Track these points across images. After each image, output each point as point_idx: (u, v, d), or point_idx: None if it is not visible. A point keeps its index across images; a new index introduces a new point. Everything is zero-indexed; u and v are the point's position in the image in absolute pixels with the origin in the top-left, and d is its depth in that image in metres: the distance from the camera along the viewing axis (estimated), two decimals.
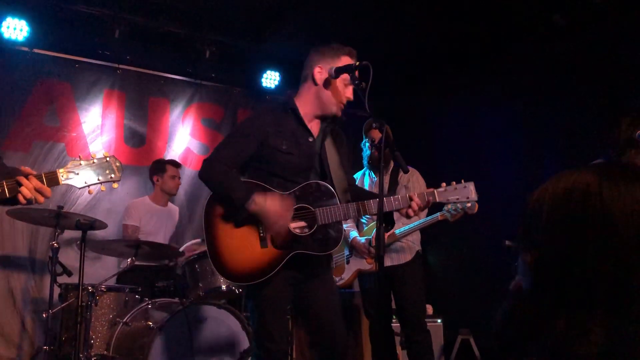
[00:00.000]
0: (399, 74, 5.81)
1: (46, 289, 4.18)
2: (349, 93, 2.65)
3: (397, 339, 4.45)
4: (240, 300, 4.19)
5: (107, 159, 2.23)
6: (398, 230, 3.96)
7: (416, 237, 4.11)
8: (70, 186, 2.16)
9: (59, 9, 4.88)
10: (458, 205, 3.57)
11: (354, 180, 3.13)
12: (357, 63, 2.52)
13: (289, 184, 2.60)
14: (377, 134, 3.92)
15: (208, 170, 2.59)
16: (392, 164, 4.09)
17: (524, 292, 0.98)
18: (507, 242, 4.30)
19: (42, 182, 2.05)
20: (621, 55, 4.54)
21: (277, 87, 5.88)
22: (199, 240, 4.53)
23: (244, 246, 2.53)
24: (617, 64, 4.54)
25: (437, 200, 2.60)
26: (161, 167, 4.83)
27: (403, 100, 6.28)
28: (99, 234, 4.34)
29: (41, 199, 2.06)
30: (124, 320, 3.79)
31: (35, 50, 4.97)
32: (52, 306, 3.76)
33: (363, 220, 4.11)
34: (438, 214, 3.83)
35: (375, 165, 4.07)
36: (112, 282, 4.18)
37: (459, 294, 5.68)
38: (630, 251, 0.84)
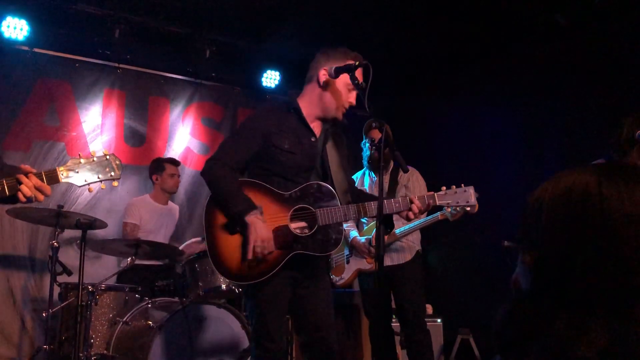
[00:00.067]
0: (399, 74, 5.81)
1: (46, 288, 4.18)
2: (352, 98, 2.66)
3: (397, 339, 4.45)
4: (240, 300, 4.18)
5: (107, 157, 2.23)
6: (398, 229, 3.96)
7: (416, 236, 4.12)
8: (70, 185, 2.17)
9: (59, 8, 4.88)
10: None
11: (354, 181, 3.14)
12: (357, 63, 2.52)
13: (290, 183, 2.60)
14: (377, 134, 3.93)
15: (211, 171, 2.59)
16: (392, 164, 4.10)
17: (523, 292, 0.98)
18: (506, 243, 4.30)
19: (42, 180, 2.06)
20: (621, 55, 4.54)
21: (277, 86, 5.88)
22: (199, 238, 4.53)
23: (244, 245, 2.53)
24: (617, 64, 4.54)
25: (437, 203, 2.63)
26: (160, 166, 4.83)
27: (403, 100, 6.28)
28: (99, 233, 4.34)
29: (41, 197, 2.06)
30: (124, 319, 3.79)
31: (36, 50, 4.97)
32: (52, 305, 3.76)
33: (363, 220, 4.11)
34: (438, 213, 3.84)
35: (375, 165, 4.07)
36: (112, 281, 4.19)
37: (459, 294, 5.68)
38: (630, 251, 0.84)
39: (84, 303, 3.66)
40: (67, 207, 4.68)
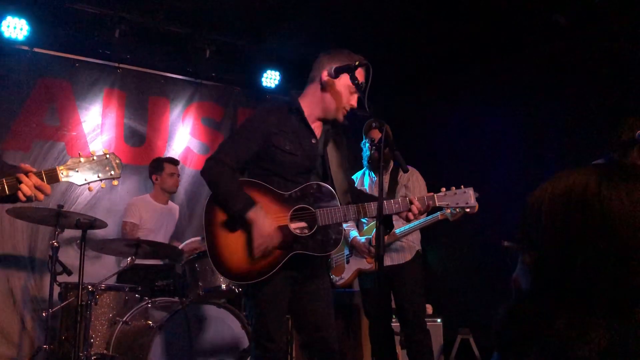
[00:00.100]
0: (399, 74, 5.81)
1: (46, 288, 4.18)
2: (353, 101, 2.66)
3: (397, 339, 4.45)
4: (240, 300, 4.18)
5: (107, 156, 2.23)
6: (398, 229, 3.96)
7: (416, 236, 4.12)
8: (70, 185, 2.17)
9: (59, 8, 4.87)
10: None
11: (354, 181, 3.14)
12: (357, 63, 2.52)
13: (290, 183, 2.60)
14: (377, 134, 3.93)
15: (211, 171, 2.59)
16: (391, 164, 4.10)
17: (523, 292, 0.98)
18: (506, 243, 4.31)
19: (42, 179, 2.06)
20: (621, 55, 4.54)
21: (277, 86, 5.88)
22: (198, 238, 4.53)
23: (243, 245, 2.53)
24: (617, 64, 4.54)
25: (437, 204, 2.63)
26: (159, 166, 4.84)
27: (403, 100, 6.28)
28: (99, 233, 4.34)
29: (41, 196, 2.06)
30: (124, 319, 3.79)
31: (36, 50, 4.97)
32: (52, 305, 3.76)
33: (363, 220, 4.11)
34: (438, 213, 3.84)
35: (375, 165, 4.07)
36: (112, 281, 4.19)
37: (459, 294, 5.68)
38: (630, 252, 0.84)
39: (83, 303, 3.66)
40: (67, 206, 4.68)
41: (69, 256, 4.43)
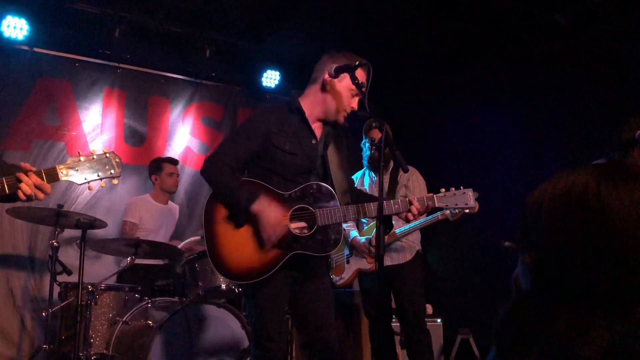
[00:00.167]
0: (399, 74, 5.81)
1: (46, 287, 4.18)
2: (354, 103, 2.67)
3: (397, 339, 4.45)
4: (240, 300, 4.18)
5: (107, 155, 2.23)
6: (398, 229, 3.96)
7: (416, 236, 4.12)
8: (70, 184, 2.17)
9: (59, 7, 4.87)
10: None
11: (354, 182, 3.14)
12: (357, 62, 2.52)
13: (289, 183, 2.60)
14: (377, 134, 3.93)
15: (211, 169, 2.59)
16: (391, 164, 4.10)
17: (523, 293, 0.98)
18: (506, 243, 4.31)
19: (41, 178, 2.05)
20: (621, 55, 4.54)
21: (277, 86, 5.88)
22: (198, 237, 4.53)
23: (243, 245, 2.53)
24: (617, 64, 4.54)
25: (436, 205, 2.64)
26: (158, 166, 4.84)
27: (403, 100, 6.28)
28: (98, 232, 4.34)
29: (41, 195, 2.06)
30: (124, 319, 3.79)
31: (36, 49, 4.97)
32: (52, 305, 3.76)
33: (363, 220, 4.11)
34: (438, 213, 3.84)
35: (375, 165, 4.07)
36: (111, 281, 4.19)
37: (459, 294, 5.68)
38: (630, 252, 0.84)
39: (83, 303, 3.66)
40: (67, 206, 4.68)
41: (69, 256, 4.43)
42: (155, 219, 4.75)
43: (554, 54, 5.05)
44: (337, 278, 4.22)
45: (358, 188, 3.42)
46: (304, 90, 2.76)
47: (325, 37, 5.02)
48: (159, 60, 5.57)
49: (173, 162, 4.92)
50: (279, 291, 2.59)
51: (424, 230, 4.14)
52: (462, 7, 4.80)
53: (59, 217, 3.73)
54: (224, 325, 3.84)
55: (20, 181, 2.01)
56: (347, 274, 4.19)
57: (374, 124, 3.96)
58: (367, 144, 4.07)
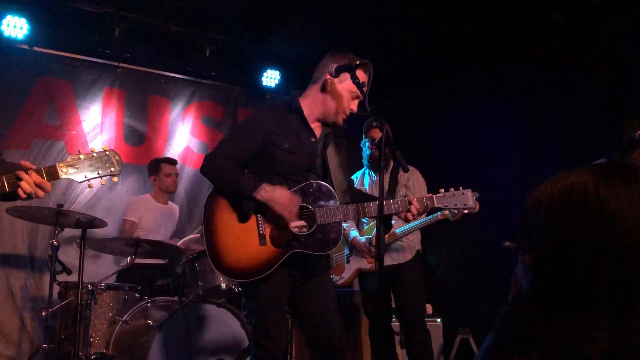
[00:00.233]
0: (399, 74, 5.81)
1: (46, 287, 4.17)
2: (353, 106, 2.67)
3: (397, 339, 4.45)
4: (240, 299, 4.19)
5: (107, 152, 2.22)
6: (398, 229, 3.96)
7: (416, 236, 4.12)
8: (70, 184, 2.17)
9: (59, 6, 4.87)
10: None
11: (353, 182, 3.15)
12: (358, 62, 2.53)
13: (289, 182, 2.60)
14: (377, 133, 3.93)
15: (210, 164, 2.59)
16: (391, 163, 4.10)
17: (523, 293, 0.98)
18: (506, 243, 4.31)
19: (42, 176, 2.05)
20: (621, 55, 4.54)
21: (277, 86, 5.88)
22: (197, 235, 4.53)
23: (242, 243, 2.53)
24: (617, 64, 4.54)
25: (436, 205, 2.64)
26: (156, 167, 4.84)
27: (403, 100, 6.28)
28: (98, 232, 4.34)
29: (41, 193, 2.06)
30: (124, 318, 3.79)
31: (36, 49, 4.96)
32: (52, 304, 3.76)
33: (363, 220, 4.11)
34: (439, 213, 3.84)
35: (376, 164, 4.07)
36: (111, 280, 4.18)
37: (459, 294, 5.68)
38: (630, 252, 0.84)
39: (83, 302, 3.66)
40: (67, 206, 4.68)
41: (69, 255, 4.43)
42: (155, 219, 4.75)
43: (554, 54, 5.05)
44: (337, 278, 4.22)
45: (358, 188, 3.42)
46: (305, 90, 2.77)
47: (325, 37, 5.02)
48: (159, 59, 5.56)
49: (171, 162, 4.91)
50: (278, 291, 2.59)
51: (424, 230, 4.14)
52: (462, 7, 4.80)
53: (58, 217, 3.73)
54: (224, 324, 3.84)
55: (20, 179, 2.01)
56: (347, 273, 4.19)
57: (374, 124, 3.96)
58: (367, 144, 4.07)
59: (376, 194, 2.91)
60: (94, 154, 2.20)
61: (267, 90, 5.95)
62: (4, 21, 4.72)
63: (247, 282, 2.59)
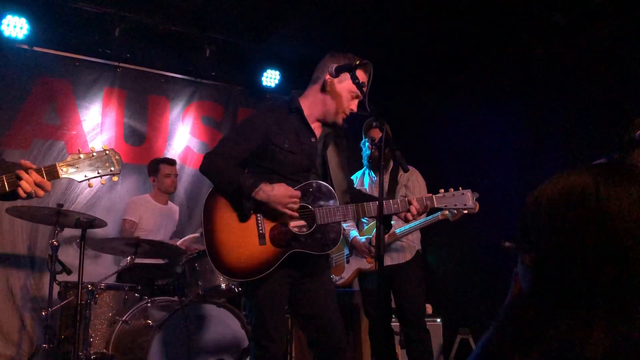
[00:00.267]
0: (399, 74, 5.81)
1: (45, 287, 4.17)
2: (353, 105, 2.67)
3: (397, 338, 4.45)
4: (240, 299, 4.19)
5: (107, 152, 2.22)
6: (398, 229, 3.96)
7: (416, 236, 4.12)
8: (70, 184, 2.16)
9: (59, 6, 4.87)
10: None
11: (353, 182, 3.15)
12: (358, 62, 2.53)
13: (289, 182, 2.60)
14: (377, 133, 3.93)
15: (210, 163, 2.59)
16: (391, 163, 4.10)
17: (523, 293, 0.98)
18: (506, 243, 4.30)
19: (42, 175, 2.05)
20: (621, 55, 4.54)
21: (277, 85, 5.88)
22: (197, 235, 4.53)
23: (242, 242, 2.53)
24: (617, 64, 4.54)
25: (435, 205, 2.65)
26: (155, 168, 4.84)
27: (403, 100, 6.28)
28: (98, 232, 4.34)
29: (41, 193, 2.05)
30: (124, 318, 3.79)
31: (36, 48, 4.96)
32: (52, 304, 3.76)
33: (363, 220, 4.11)
34: (439, 213, 3.85)
35: (376, 164, 4.07)
36: (111, 280, 4.18)
37: (459, 294, 5.68)
38: (630, 252, 0.84)
39: (83, 302, 3.66)
40: (67, 205, 4.68)
41: (69, 255, 4.43)
42: (154, 219, 4.75)
43: (554, 54, 5.05)
44: (337, 278, 4.22)
45: (357, 188, 3.42)
46: (305, 90, 2.77)
47: (325, 37, 5.02)
48: (159, 59, 5.56)
49: (170, 162, 4.90)
50: (278, 290, 2.59)
51: (424, 230, 4.14)
52: (462, 7, 4.80)
53: (58, 217, 3.73)
54: (224, 324, 3.84)
55: (20, 178, 2.01)
56: (347, 273, 4.19)
57: (374, 124, 3.96)
58: (367, 144, 4.07)
59: (376, 194, 2.91)
60: (94, 154, 2.20)
61: (267, 90, 5.95)
62: (4, 21, 4.72)
63: (247, 281, 2.59)
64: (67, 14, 4.92)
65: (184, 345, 3.65)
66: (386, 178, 4.05)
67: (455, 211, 3.64)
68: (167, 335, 3.63)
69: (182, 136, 5.69)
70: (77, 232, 3.94)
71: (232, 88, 5.99)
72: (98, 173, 2.19)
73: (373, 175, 4.16)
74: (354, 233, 4.09)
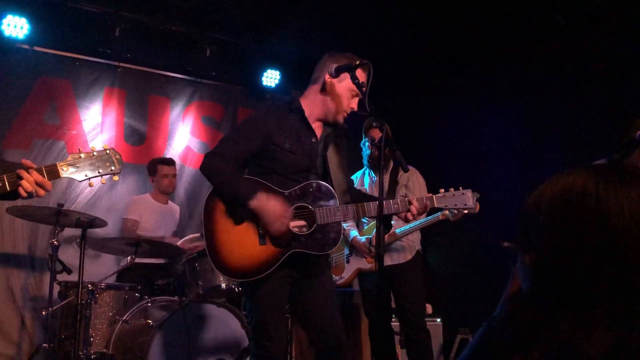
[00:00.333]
0: (399, 74, 5.81)
1: (46, 286, 4.18)
2: (354, 104, 2.67)
3: (397, 338, 4.45)
4: (240, 299, 4.19)
5: (107, 151, 2.22)
6: (399, 229, 3.97)
7: (416, 236, 4.12)
8: (70, 183, 2.16)
9: (60, 6, 4.88)
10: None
11: (353, 182, 3.15)
12: (357, 62, 2.53)
13: (289, 182, 2.60)
14: (377, 133, 3.93)
15: (210, 164, 2.59)
16: (391, 163, 4.10)
17: (523, 293, 0.98)
18: (505, 243, 4.31)
19: (42, 175, 2.05)
20: (621, 55, 4.54)
21: (277, 85, 5.88)
22: (197, 235, 4.54)
23: (242, 242, 2.53)
24: (617, 64, 4.54)
25: (435, 205, 2.64)
26: (153, 168, 4.84)
27: (403, 100, 6.28)
28: (99, 231, 4.34)
29: (42, 192, 2.06)
30: (124, 318, 3.79)
31: (36, 48, 4.97)
32: (52, 304, 3.76)
33: (363, 220, 4.11)
34: (439, 213, 3.85)
35: (376, 164, 4.08)
36: (111, 280, 4.19)
37: (459, 294, 5.68)
38: (629, 252, 0.84)
39: (83, 302, 3.66)
40: (67, 205, 4.69)
41: (69, 255, 4.43)
42: (155, 218, 4.76)
43: (554, 54, 5.05)
44: (337, 278, 4.22)
45: (358, 188, 3.42)
46: (305, 91, 2.77)
47: (325, 37, 5.02)
48: (159, 59, 5.57)
49: (168, 162, 4.90)
50: (278, 290, 2.59)
51: (424, 230, 4.14)
52: (462, 7, 4.80)
53: (59, 216, 3.73)
54: (224, 324, 3.84)
55: (21, 178, 2.01)
56: (347, 273, 4.19)
57: (374, 124, 3.96)
58: (367, 143, 4.08)
59: (376, 194, 2.91)
60: (95, 153, 2.20)
61: (267, 90, 5.95)
62: (5, 21, 4.72)
63: (247, 281, 2.59)
64: (68, 13, 4.92)
65: (184, 345, 3.65)
66: (386, 178, 4.05)
67: (456, 211, 3.64)
68: (167, 335, 3.63)
69: (182, 136, 5.69)
70: (77, 231, 3.94)
71: (232, 88, 6.00)
72: (99, 172, 2.19)
73: (373, 175, 4.16)
74: (354, 233, 4.09)
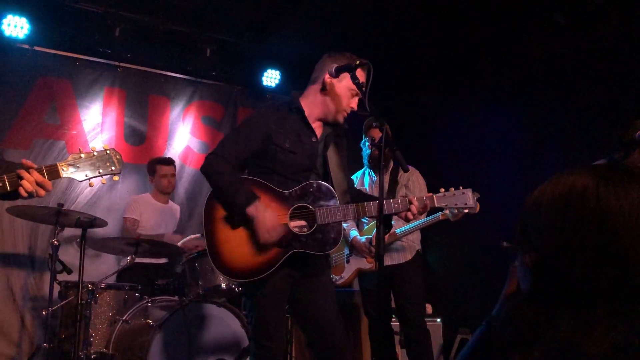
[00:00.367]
0: (399, 74, 5.81)
1: (46, 286, 4.18)
2: (353, 103, 2.68)
3: (397, 338, 4.45)
4: (240, 299, 4.19)
5: (107, 151, 2.22)
6: (399, 229, 3.97)
7: (416, 236, 4.12)
8: (70, 183, 2.16)
9: (60, 6, 4.87)
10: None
11: (353, 182, 3.15)
12: (357, 62, 2.53)
13: (290, 182, 2.61)
14: (377, 133, 3.94)
15: (211, 166, 2.60)
16: (391, 163, 4.10)
17: (523, 293, 0.98)
18: (504, 243, 4.31)
19: (43, 175, 2.05)
20: (621, 55, 4.54)
21: (277, 85, 5.88)
22: (198, 235, 4.54)
23: (243, 243, 2.54)
24: (617, 64, 4.54)
25: (436, 205, 2.65)
26: (152, 168, 4.84)
27: (403, 100, 6.28)
28: (99, 231, 4.34)
29: (42, 192, 2.06)
30: (124, 318, 3.79)
31: (36, 48, 4.97)
32: (52, 304, 3.76)
33: (364, 220, 4.11)
34: (439, 213, 3.85)
35: (376, 164, 4.08)
36: (112, 279, 4.19)
37: (459, 294, 5.69)
38: (629, 252, 0.84)
39: (83, 301, 3.66)
40: (68, 205, 4.69)
41: (69, 255, 4.43)
42: (155, 217, 4.76)
43: (554, 54, 5.05)
44: (337, 277, 4.22)
45: (358, 188, 3.42)
46: (305, 91, 2.77)
47: (325, 37, 5.02)
48: (159, 59, 5.56)
49: (166, 162, 4.89)
50: (278, 290, 2.59)
51: (424, 230, 4.14)
52: (462, 7, 4.80)
53: (59, 216, 3.73)
54: (224, 324, 3.84)
55: (21, 178, 2.01)
56: (347, 273, 4.19)
57: (374, 124, 3.96)
58: (367, 143, 4.08)
59: (376, 194, 2.91)
60: (95, 153, 2.20)
61: (267, 90, 5.95)
62: (5, 21, 4.72)
63: (247, 281, 2.59)
64: (68, 13, 4.92)
65: (184, 345, 3.65)
66: (386, 178, 4.05)
67: (456, 211, 3.64)
68: (167, 335, 3.63)
69: (183, 136, 5.69)
70: (77, 231, 3.94)
71: (232, 88, 5.99)
72: (99, 172, 2.19)
73: (373, 175, 4.16)
74: (354, 233, 4.09)
